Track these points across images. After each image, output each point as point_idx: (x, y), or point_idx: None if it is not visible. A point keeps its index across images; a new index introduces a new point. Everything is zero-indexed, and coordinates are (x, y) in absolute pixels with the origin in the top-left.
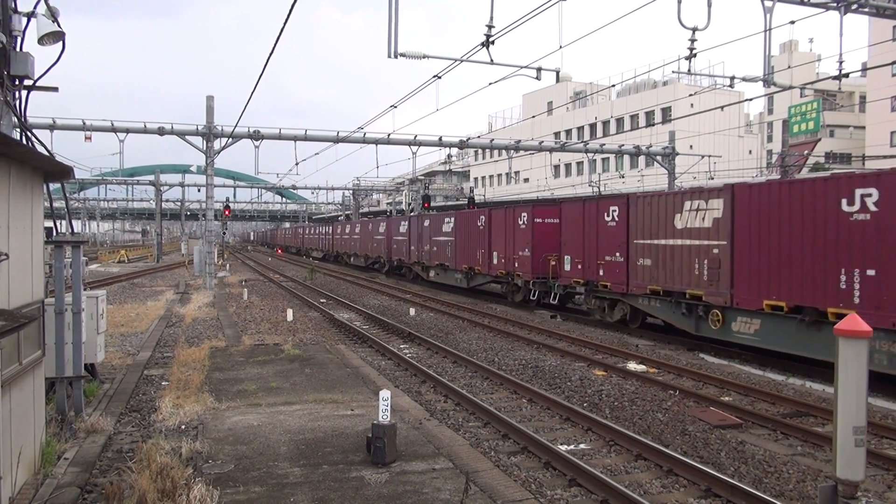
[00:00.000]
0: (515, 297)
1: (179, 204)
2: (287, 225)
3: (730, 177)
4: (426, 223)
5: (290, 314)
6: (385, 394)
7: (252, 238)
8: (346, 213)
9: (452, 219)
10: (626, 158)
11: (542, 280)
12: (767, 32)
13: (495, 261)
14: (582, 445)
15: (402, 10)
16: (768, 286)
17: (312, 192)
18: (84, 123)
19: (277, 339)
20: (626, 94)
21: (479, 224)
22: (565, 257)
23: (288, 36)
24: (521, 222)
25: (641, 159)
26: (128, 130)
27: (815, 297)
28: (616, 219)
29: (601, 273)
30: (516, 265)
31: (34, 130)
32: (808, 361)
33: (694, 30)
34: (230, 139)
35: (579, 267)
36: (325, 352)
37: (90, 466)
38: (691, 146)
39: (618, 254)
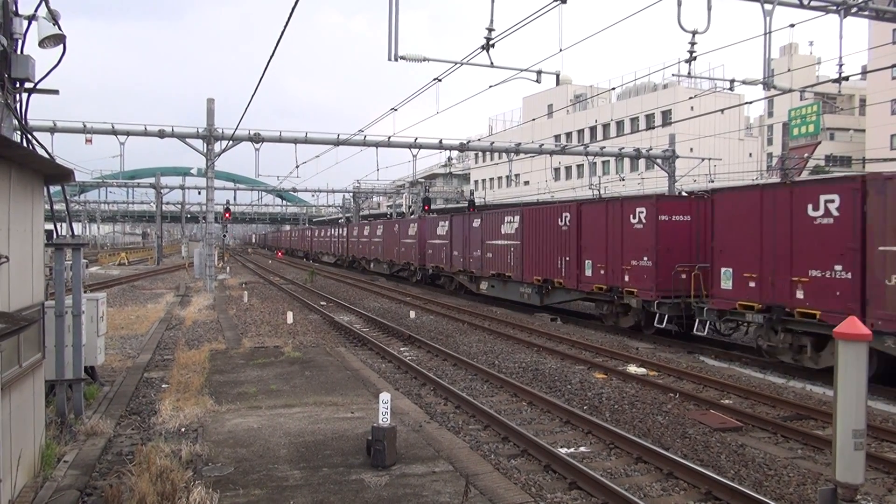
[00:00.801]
0: (622, 322)
1: (180, 206)
2: (288, 228)
3: (730, 180)
4: (475, 223)
5: (290, 317)
6: (385, 396)
7: (253, 241)
8: (347, 215)
9: (517, 217)
10: (627, 161)
11: (672, 299)
12: (767, 35)
13: (588, 272)
14: (582, 448)
15: (402, 13)
16: None
17: (313, 195)
18: (85, 126)
19: (277, 341)
20: (626, 96)
21: (560, 223)
22: (722, 270)
23: (289, 38)
24: (634, 220)
25: (642, 162)
26: (128, 133)
27: None
28: (838, 213)
29: (799, 295)
30: (627, 278)
31: (35, 133)
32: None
33: (694, 33)
34: (231, 142)
35: (752, 284)
36: (326, 354)
37: (90, 469)
38: (691, 149)
39: (839, 267)
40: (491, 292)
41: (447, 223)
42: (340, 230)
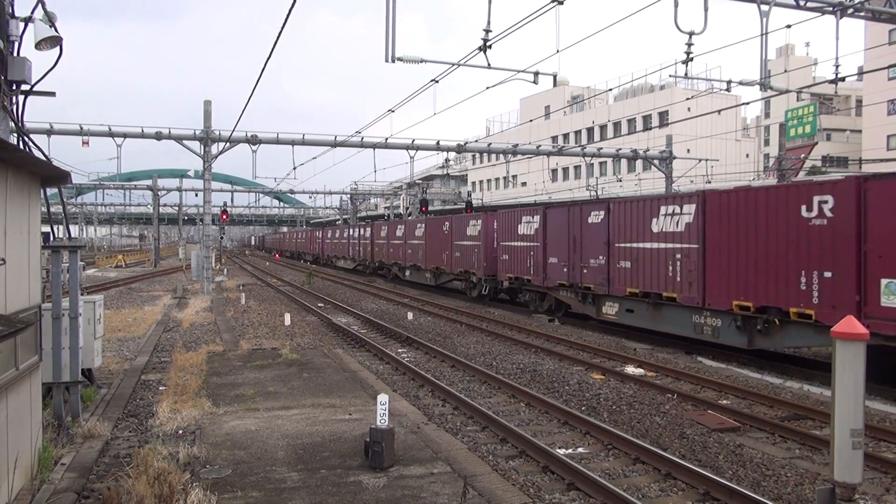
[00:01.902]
0: None
1: (177, 208)
2: (290, 229)
3: (727, 180)
4: (595, 217)
5: (287, 318)
6: (383, 398)
7: (253, 243)
8: (345, 216)
9: (692, 207)
10: (624, 162)
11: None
12: (764, 36)
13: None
14: (580, 449)
15: (400, 15)
16: None
17: (310, 197)
18: (81, 128)
19: (275, 343)
20: (623, 98)
21: (807, 214)
22: (884, 282)
23: (286, 40)
24: None
25: (639, 163)
26: (125, 135)
27: None
28: None
29: None
30: None
31: (31, 135)
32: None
33: (691, 34)
34: (228, 143)
35: None
36: (323, 356)
37: (87, 472)
38: (688, 150)
39: None
40: (627, 319)
41: (537, 219)
42: (362, 230)
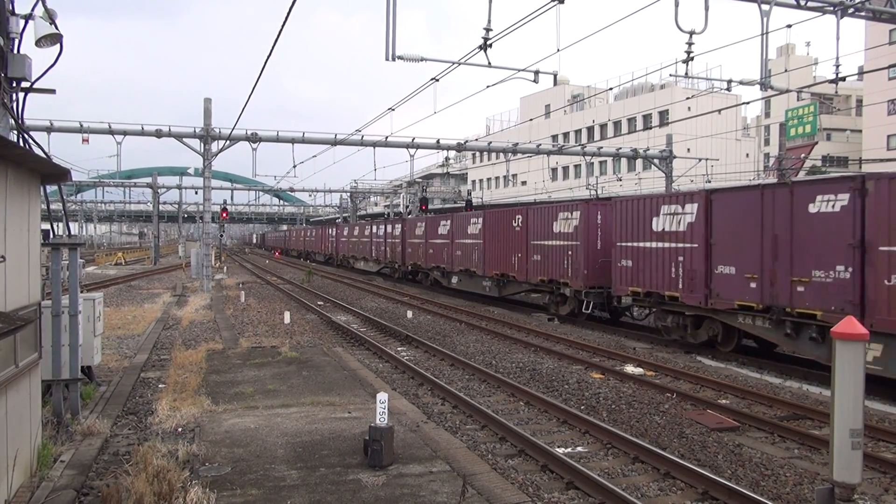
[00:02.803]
0: None
1: (177, 206)
2: (297, 225)
3: (726, 180)
4: (834, 204)
5: (287, 317)
6: (382, 396)
7: (254, 241)
8: (345, 215)
9: None
10: (624, 161)
11: None
12: (764, 36)
13: None
14: (579, 448)
15: (401, 13)
16: None
17: (310, 195)
18: (81, 125)
19: (275, 341)
20: (623, 97)
21: None
22: None
23: (287, 38)
24: None
25: (639, 162)
26: (125, 132)
27: None
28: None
29: None
30: None
31: (31, 132)
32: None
33: (691, 33)
34: (228, 141)
35: None
36: (323, 354)
37: (87, 469)
38: (688, 149)
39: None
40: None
41: (693, 208)
42: (390, 227)
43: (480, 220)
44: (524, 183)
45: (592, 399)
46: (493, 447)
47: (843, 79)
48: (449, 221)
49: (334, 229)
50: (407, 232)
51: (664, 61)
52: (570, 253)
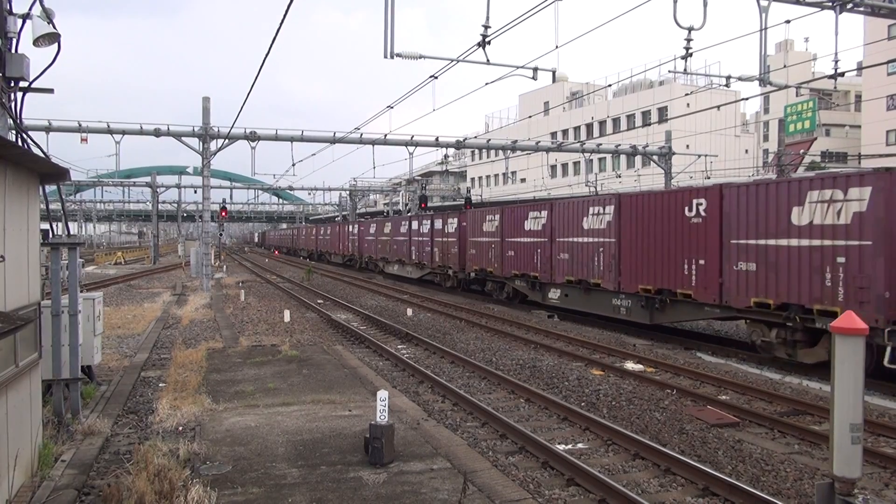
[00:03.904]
0: None
1: (176, 205)
2: (285, 225)
3: (726, 176)
4: None
5: (287, 315)
6: (383, 394)
7: (256, 240)
8: (344, 213)
9: None
10: (623, 158)
11: None
12: (763, 32)
13: None
14: (580, 445)
15: (400, 11)
16: None
17: (309, 193)
18: (80, 125)
19: (275, 340)
20: (622, 93)
21: None
22: None
23: (286, 36)
24: None
25: (638, 159)
26: (124, 132)
27: None
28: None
29: None
30: None
31: (30, 132)
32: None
33: (690, 29)
34: (226, 140)
35: None
36: (323, 352)
37: (87, 468)
38: (688, 146)
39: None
40: None
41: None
42: (443, 223)
43: (612, 207)
44: (523, 180)
45: (593, 396)
46: (494, 444)
47: (842, 74)
48: (545, 213)
49: (356, 226)
50: (468, 228)
51: (663, 58)
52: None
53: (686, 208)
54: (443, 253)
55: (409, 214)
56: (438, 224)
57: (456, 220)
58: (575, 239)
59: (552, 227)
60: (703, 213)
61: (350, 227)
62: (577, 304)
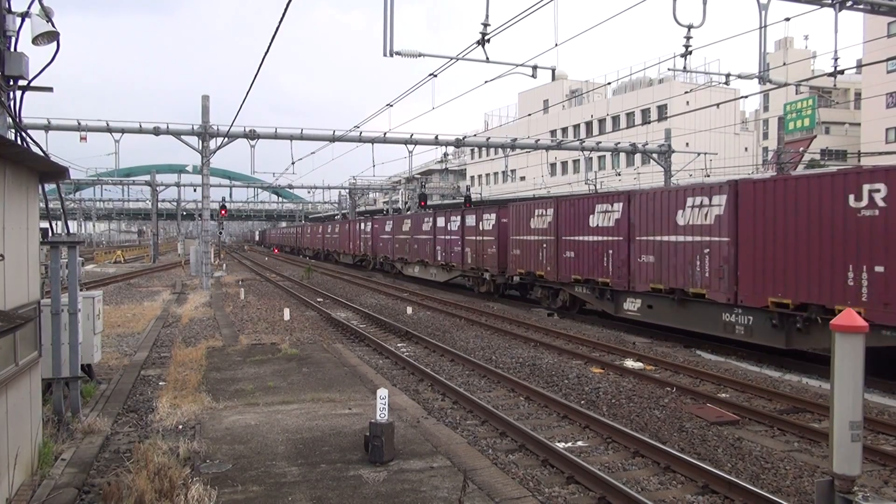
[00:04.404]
0: None
1: (175, 204)
2: (282, 223)
3: (725, 174)
4: None
5: (287, 313)
6: (382, 392)
7: (257, 239)
8: (343, 211)
9: None
10: (623, 156)
11: None
12: (763, 29)
13: None
14: (579, 443)
15: (398, 8)
16: None
17: (309, 192)
18: (79, 124)
19: (275, 338)
20: (621, 91)
21: None
22: None
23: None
24: None
25: (637, 157)
26: (123, 130)
27: None
28: None
29: None
30: None
31: (29, 131)
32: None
33: (689, 27)
34: (226, 139)
35: None
36: (323, 351)
37: (88, 467)
38: (687, 144)
39: None
40: None
41: None
42: (475, 219)
43: (723, 197)
44: (523, 178)
45: (592, 394)
46: (494, 442)
47: (842, 72)
48: (618, 205)
49: (370, 224)
50: (510, 225)
51: (663, 55)
52: None
53: (852, 197)
54: (477, 254)
55: (431, 211)
56: (471, 220)
57: (494, 215)
58: (664, 238)
59: (629, 223)
60: (880, 203)
61: (362, 224)
62: (667, 319)
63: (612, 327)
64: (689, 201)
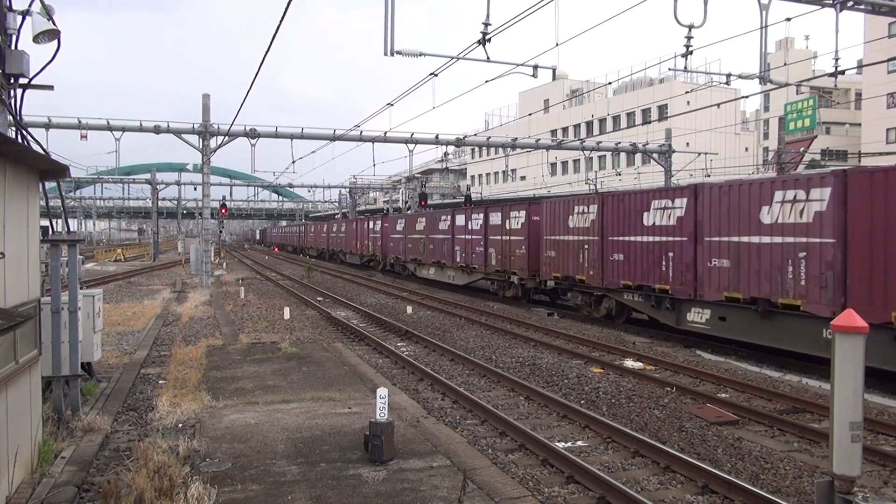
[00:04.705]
0: None
1: (176, 202)
2: (284, 223)
3: (726, 174)
4: None
5: (287, 312)
6: (382, 392)
7: (258, 238)
8: (344, 210)
9: None
10: (623, 156)
11: None
12: (763, 30)
13: None
14: (579, 442)
15: (399, 7)
16: None
17: (309, 191)
18: (80, 122)
19: (274, 337)
20: (622, 91)
21: None
22: None
23: (285, 33)
24: None
25: (638, 157)
26: (124, 129)
27: None
28: None
29: None
30: None
31: (30, 129)
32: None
33: (690, 27)
34: (226, 137)
35: None
36: (323, 350)
37: (87, 465)
38: (688, 143)
39: None
40: None
41: None
42: (501, 218)
43: (825, 191)
44: (523, 178)
45: (592, 393)
46: (494, 442)
47: (843, 72)
48: (681, 201)
49: (379, 222)
50: (543, 223)
51: (663, 55)
52: None
53: None
54: (503, 255)
55: (449, 209)
56: (496, 219)
57: (523, 213)
58: (743, 238)
59: (696, 221)
60: None
61: (370, 223)
62: (746, 333)
63: (612, 327)
64: (778, 196)
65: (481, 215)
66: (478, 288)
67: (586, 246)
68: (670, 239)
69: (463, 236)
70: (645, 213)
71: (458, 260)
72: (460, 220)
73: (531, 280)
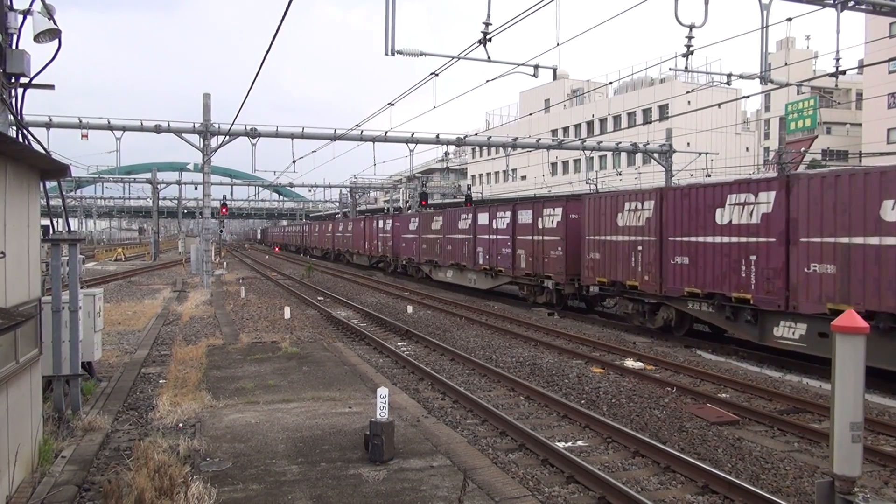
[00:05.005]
0: None
1: (176, 202)
2: (283, 222)
3: (727, 174)
4: None
5: (287, 312)
6: (383, 391)
7: (258, 237)
8: (344, 210)
9: None
10: (624, 156)
11: None
12: (764, 30)
13: None
14: (580, 442)
15: (400, 7)
16: None
17: (310, 190)
18: (80, 121)
19: (275, 336)
20: (623, 91)
21: None
22: None
23: (286, 32)
24: None
25: (638, 157)
26: (124, 128)
27: None
28: None
29: None
30: None
31: (30, 128)
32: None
33: (691, 27)
34: (227, 137)
35: None
36: (323, 349)
37: (88, 465)
38: (688, 143)
39: None
40: None
41: None
42: (532, 216)
43: None
44: (524, 178)
45: (592, 393)
46: (494, 442)
47: (844, 72)
48: (767, 195)
49: (390, 221)
50: (584, 222)
51: (664, 55)
52: None
53: None
54: (534, 257)
55: (471, 207)
56: (526, 217)
57: (560, 210)
58: (856, 240)
59: (786, 220)
60: None
61: (380, 222)
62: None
63: (613, 327)
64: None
65: (508, 213)
66: (503, 293)
67: (640, 247)
68: (752, 240)
69: (487, 236)
70: (718, 210)
71: (480, 262)
72: (483, 218)
73: (569, 285)
